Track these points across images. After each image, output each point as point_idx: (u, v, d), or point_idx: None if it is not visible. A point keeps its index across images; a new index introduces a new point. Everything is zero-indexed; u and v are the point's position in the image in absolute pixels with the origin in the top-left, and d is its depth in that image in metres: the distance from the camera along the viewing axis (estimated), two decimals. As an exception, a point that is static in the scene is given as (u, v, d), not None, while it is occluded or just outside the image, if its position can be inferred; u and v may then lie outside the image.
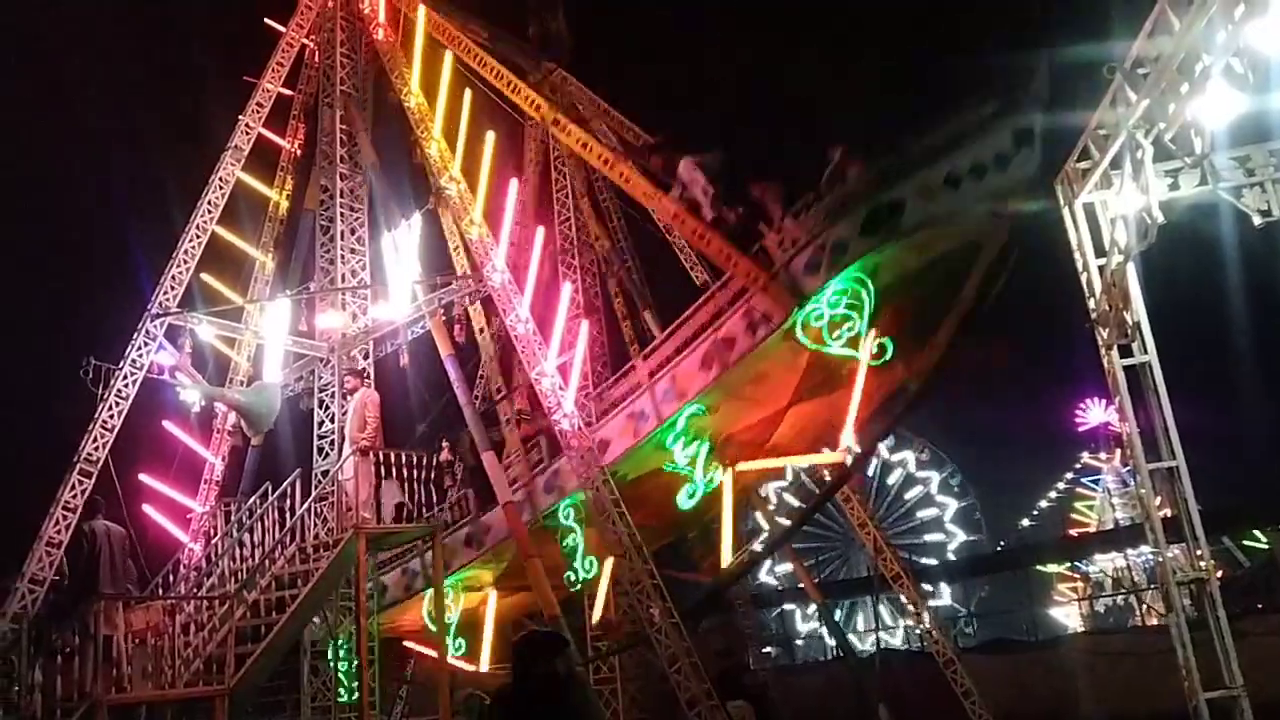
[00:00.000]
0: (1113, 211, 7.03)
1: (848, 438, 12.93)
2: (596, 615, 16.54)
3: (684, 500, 13.97)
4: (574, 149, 16.95)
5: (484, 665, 17.29)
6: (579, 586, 15.55)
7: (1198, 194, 6.99)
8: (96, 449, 15.16)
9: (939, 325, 13.10)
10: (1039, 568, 43.05)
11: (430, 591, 14.75)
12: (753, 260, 13.13)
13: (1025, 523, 56.24)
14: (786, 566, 43.06)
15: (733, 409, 13.94)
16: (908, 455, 49.49)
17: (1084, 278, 7.34)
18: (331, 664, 14.90)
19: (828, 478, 17.21)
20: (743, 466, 14.66)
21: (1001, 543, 50.94)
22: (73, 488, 14.79)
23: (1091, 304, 7.22)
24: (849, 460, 13.51)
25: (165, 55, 35.29)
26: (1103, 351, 7.08)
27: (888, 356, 12.52)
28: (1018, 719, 17.46)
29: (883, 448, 48.41)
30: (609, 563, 15.39)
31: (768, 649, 34.77)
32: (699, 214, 14.22)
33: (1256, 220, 6.82)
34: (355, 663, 13.33)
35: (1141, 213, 6.45)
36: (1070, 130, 7.85)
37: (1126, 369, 6.94)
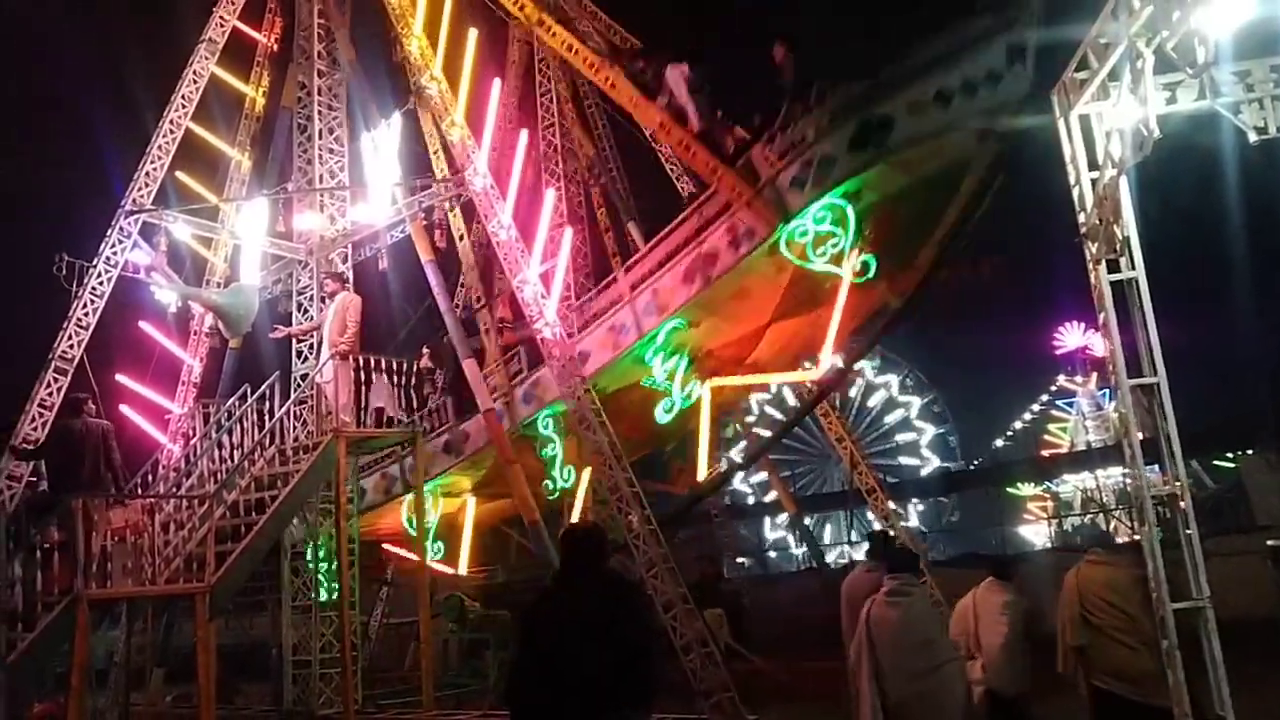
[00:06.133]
0: (1108, 124, 6.88)
1: (828, 356, 12.93)
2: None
3: (661, 415, 13.99)
4: (559, 52, 16.47)
5: (462, 569, 17.54)
6: (556, 495, 15.68)
7: (1195, 109, 6.85)
8: (71, 347, 14.98)
9: (923, 244, 13.04)
10: (1010, 488, 43.97)
11: (410, 496, 14.82)
12: (738, 174, 12.89)
13: (999, 443, 57.17)
14: (762, 475, 43.75)
15: (714, 324, 13.88)
16: (891, 379, 49.98)
17: (1075, 191, 7.21)
18: (311, 564, 15.08)
19: (809, 391, 17.30)
20: (719, 382, 14.59)
21: (975, 461, 51.85)
22: (48, 385, 14.65)
23: (1081, 218, 7.12)
24: (826, 374, 13.57)
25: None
26: (1090, 266, 7.00)
27: (870, 275, 12.42)
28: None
29: (867, 367, 49.00)
30: (586, 472, 15.53)
31: (741, 559, 35.53)
32: (685, 123, 13.92)
33: (1252, 137, 6.68)
34: (335, 564, 13.49)
35: (1139, 125, 6.32)
36: (1070, 41, 7.66)
37: (1112, 284, 6.89)
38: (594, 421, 13.75)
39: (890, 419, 50.75)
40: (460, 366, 16.16)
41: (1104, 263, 6.92)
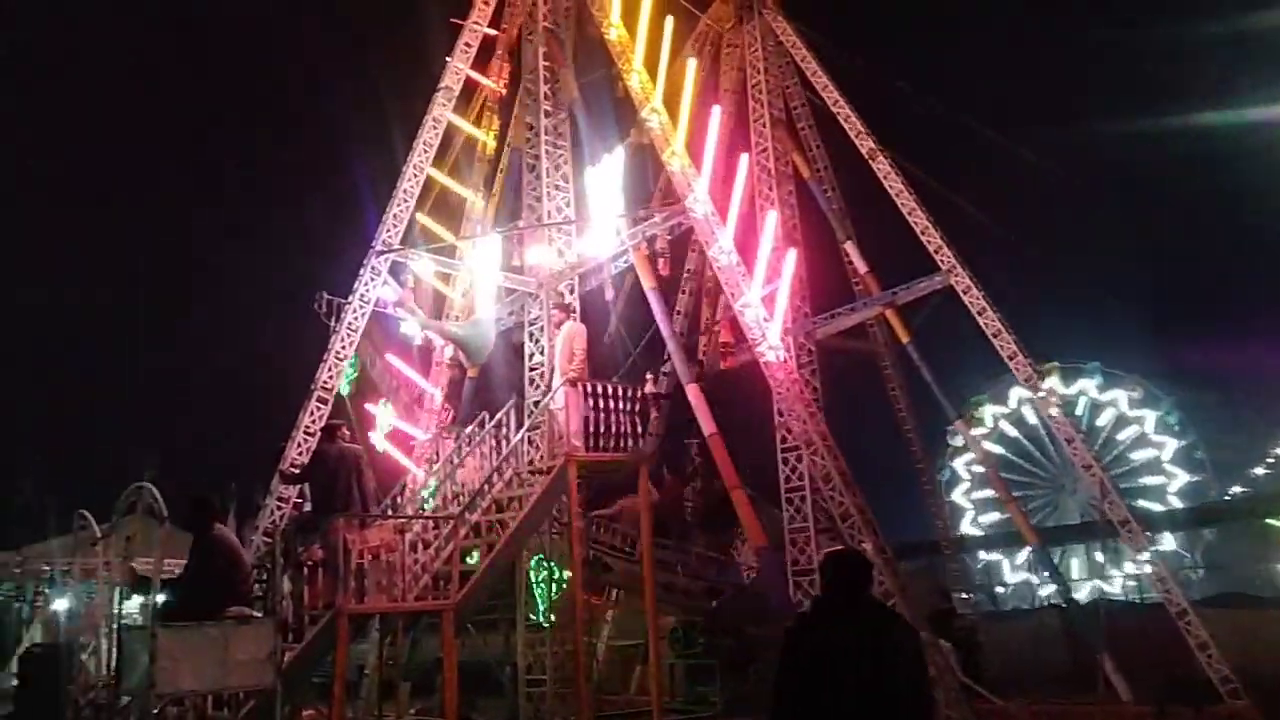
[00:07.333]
0: None
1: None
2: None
3: None
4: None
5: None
6: None
7: None
8: (330, 378, 16.19)
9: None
10: (1272, 520, 39.82)
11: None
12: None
13: (1259, 471, 51.71)
14: (991, 516, 41.88)
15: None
16: (1146, 413, 46.50)
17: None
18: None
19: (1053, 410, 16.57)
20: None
21: (1231, 490, 47.21)
22: (311, 413, 15.87)
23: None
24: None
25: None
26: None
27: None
28: (1254, 679, 16.01)
29: (1124, 397, 46.10)
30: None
31: (970, 594, 33.84)
32: None
33: None
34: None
35: None
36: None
37: None
38: (821, 446, 13.51)
39: (1132, 444, 47.08)
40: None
41: None
